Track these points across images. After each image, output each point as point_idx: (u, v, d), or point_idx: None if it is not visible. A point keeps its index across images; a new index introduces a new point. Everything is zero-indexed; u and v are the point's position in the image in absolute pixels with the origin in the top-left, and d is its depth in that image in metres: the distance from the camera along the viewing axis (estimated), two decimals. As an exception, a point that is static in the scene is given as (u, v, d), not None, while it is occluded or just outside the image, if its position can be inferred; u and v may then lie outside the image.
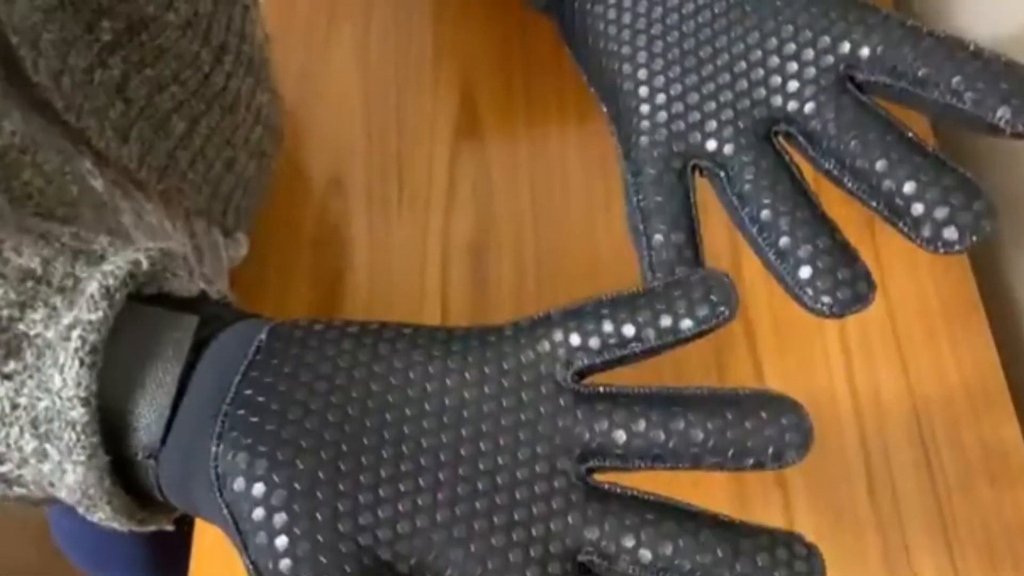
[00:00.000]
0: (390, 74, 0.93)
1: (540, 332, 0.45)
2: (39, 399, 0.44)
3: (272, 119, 0.80)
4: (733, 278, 0.44)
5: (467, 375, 0.44)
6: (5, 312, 0.45)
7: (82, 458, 0.44)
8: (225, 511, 0.42)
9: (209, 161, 0.72)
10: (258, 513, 0.41)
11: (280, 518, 0.41)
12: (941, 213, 0.44)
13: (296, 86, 0.92)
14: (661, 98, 0.51)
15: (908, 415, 0.74)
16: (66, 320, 0.45)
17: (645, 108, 0.51)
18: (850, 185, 0.47)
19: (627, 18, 0.53)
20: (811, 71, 0.49)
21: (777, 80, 0.49)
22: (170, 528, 0.50)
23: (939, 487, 0.72)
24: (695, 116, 0.50)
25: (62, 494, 0.46)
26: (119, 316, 0.45)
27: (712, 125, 0.50)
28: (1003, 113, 0.45)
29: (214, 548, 0.74)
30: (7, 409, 0.45)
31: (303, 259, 0.85)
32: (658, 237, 0.48)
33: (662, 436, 0.42)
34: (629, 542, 0.41)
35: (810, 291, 0.45)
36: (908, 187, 0.45)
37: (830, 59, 0.49)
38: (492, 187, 0.86)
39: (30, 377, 0.44)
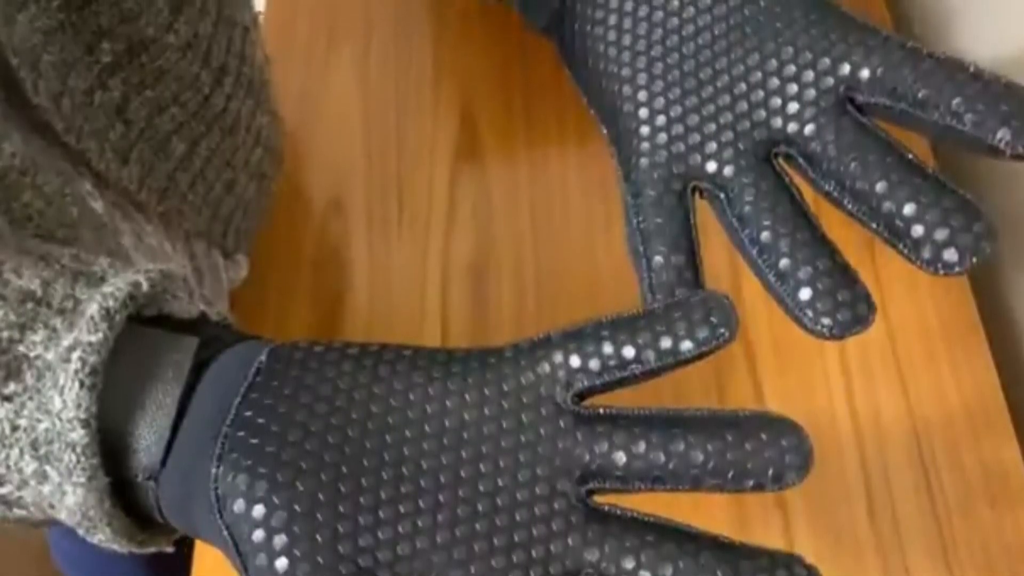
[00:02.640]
0: (390, 95, 0.93)
1: (540, 354, 0.45)
2: (39, 421, 0.44)
3: (272, 141, 0.80)
4: (733, 300, 0.44)
5: (467, 396, 0.44)
6: (5, 334, 0.45)
7: (82, 480, 0.44)
8: (225, 532, 0.42)
9: (209, 183, 0.72)
10: (258, 535, 0.41)
11: (280, 540, 0.41)
12: (941, 235, 0.44)
13: (296, 107, 0.92)
14: (661, 120, 0.51)
15: (908, 437, 0.74)
16: (66, 342, 0.45)
17: (645, 130, 0.51)
18: (850, 207, 0.47)
19: (627, 40, 0.53)
20: (811, 93, 0.49)
21: (777, 101, 0.49)
22: (170, 550, 0.50)
23: (939, 509, 0.72)
24: (695, 138, 0.50)
25: (62, 516, 0.46)
26: (119, 338, 0.45)
27: (712, 147, 0.50)
28: (1003, 135, 0.45)
29: (214, 570, 0.73)
30: (7, 431, 0.45)
31: (303, 280, 0.85)
32: (658, 259, 0.48)
33: (662, 458, 0.42)
34: (629, 563, 0.41)
35: (810, 313, 0.45)
36: (908, 209, 0.45)
37: (830, 81, 0.49)
38: (492, 208, 0.86)
39: (30, 399, 0.44)
